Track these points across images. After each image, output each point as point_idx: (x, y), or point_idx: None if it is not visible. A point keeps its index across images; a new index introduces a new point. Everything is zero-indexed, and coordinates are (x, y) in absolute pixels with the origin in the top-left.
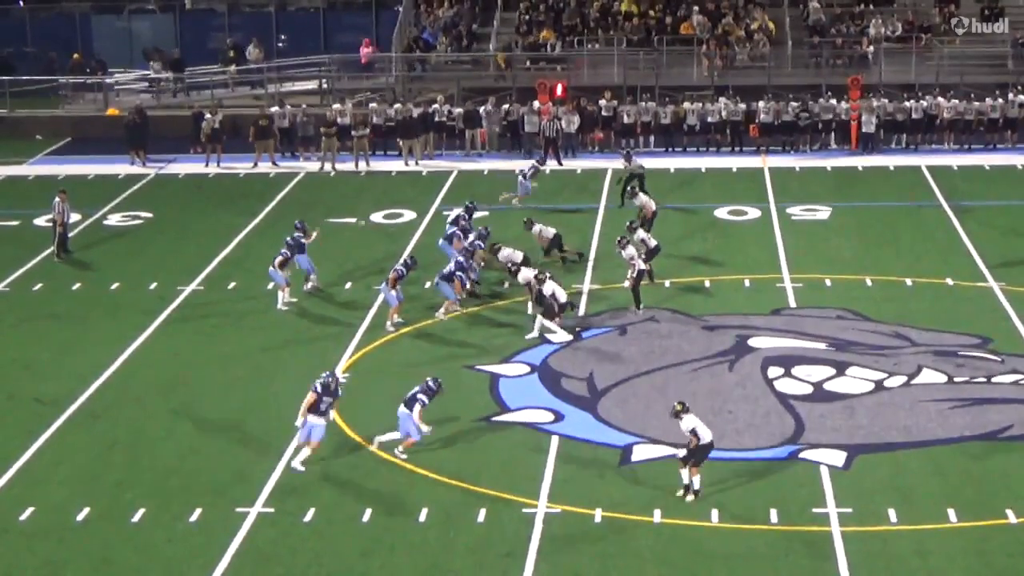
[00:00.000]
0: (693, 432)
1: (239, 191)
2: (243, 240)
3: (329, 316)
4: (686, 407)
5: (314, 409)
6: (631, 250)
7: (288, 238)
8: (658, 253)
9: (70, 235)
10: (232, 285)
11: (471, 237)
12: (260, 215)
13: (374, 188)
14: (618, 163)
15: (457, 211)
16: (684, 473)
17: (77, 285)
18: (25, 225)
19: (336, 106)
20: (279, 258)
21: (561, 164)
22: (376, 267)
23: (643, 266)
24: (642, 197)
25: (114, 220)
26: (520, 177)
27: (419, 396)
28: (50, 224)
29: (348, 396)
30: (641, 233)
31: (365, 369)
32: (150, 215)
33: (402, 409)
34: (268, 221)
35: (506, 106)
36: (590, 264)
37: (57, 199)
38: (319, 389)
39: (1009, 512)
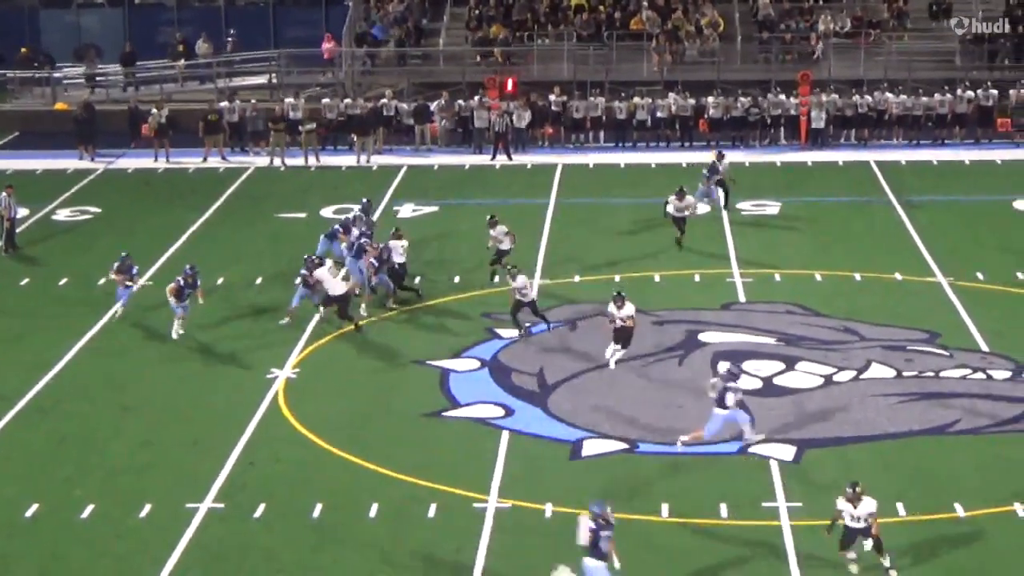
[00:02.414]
0: (872, 515)
1: (188, 186)
2: (192, 235)
3: (279, 311)
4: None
5: (594, 549)
6: (521, 280)
7: (188, 270)
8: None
9: (17, 230)
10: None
11: (354, 232)
12: (210, 210)
13: (324, 183)
14: (573, 158)
15: (356, 210)
16: (853, 563)
17: (25, 280)
18: None
19: (289, 100)
20: (172, 285)
21: (511, 159)
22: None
23: (527, 299)
24: (689, 199)
25: (63, 215)
26: (700, 185)
27: (728, 388)
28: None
29: (298, 392)
30: (502, 228)
31: (314, 364)
32: (99, 210)
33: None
34: (218, 216)
35: (460, 101)
36: (540, 260)
37: (4, 194)
38: (594, 527)
39: (957, 506)
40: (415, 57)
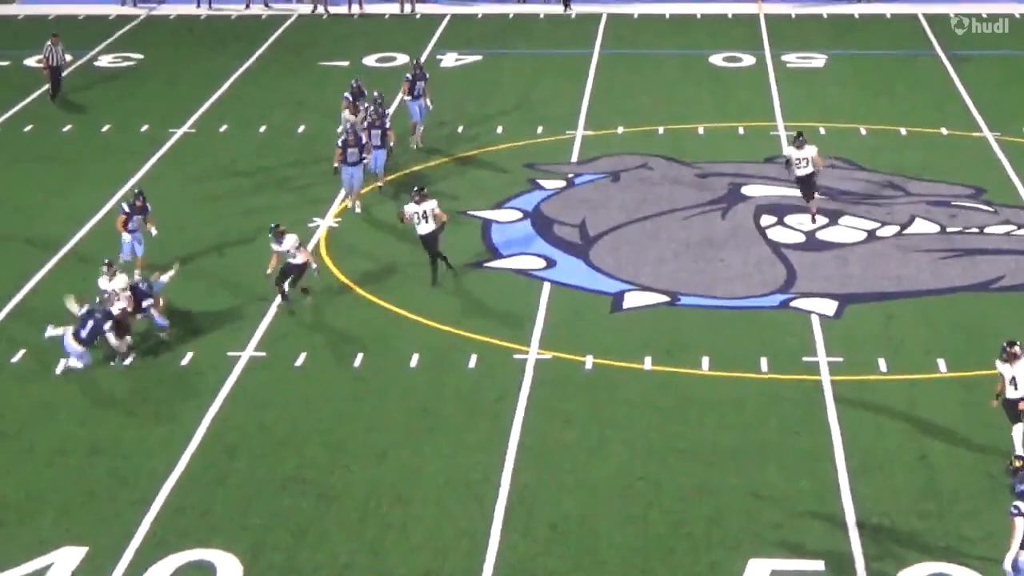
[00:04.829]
0: None
1: (231, 33)
2: (235, 83)
3: (321, 160)
4: None
5: None
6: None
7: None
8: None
9: (62, 75)
10: (224, 128)
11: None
12: (252, 57)
13: (367, 31)
14: (618, 8)
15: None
16: None
17: (68, 127)
18: (15, 65)
19: None
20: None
21: (569, 8)
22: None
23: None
24: (811, 148)
25: (105, 61)
26: None
27: None
28: (42, 66)
29: (340, 241)
30: (292, 238)
31: (356, 214)
32: (141, 57)
33: None
34: (260, 64)
35: None
36: (583, 111)
37: (48, 43)
38: None
39: (999, 363)
40: None
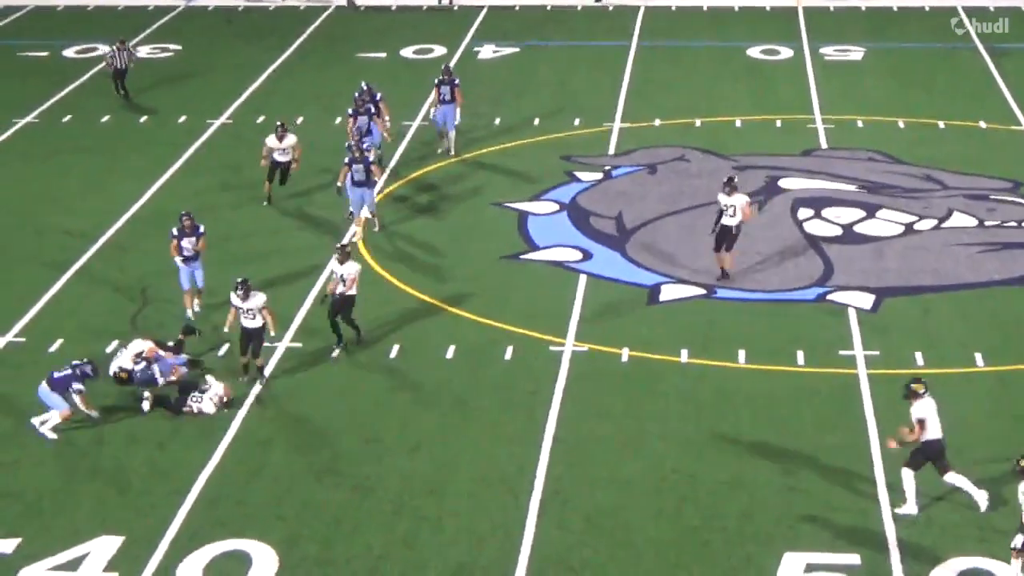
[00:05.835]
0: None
1: (268, 25)
2: (272, 74)
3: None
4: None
5: None
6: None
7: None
8: None
9: (100, 66)
10: (261, 119)
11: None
12: (289, 49)
13: (404, 23)
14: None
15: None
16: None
17: (106, 118)
18: (54, 56)
19: None
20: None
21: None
22: (404, 101)
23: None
24: (740, 196)
25: (143, 52)
26: None
27: None
28: (106, 66)
29: (376, 232)
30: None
31: (393, 205)
32: (179, 47)
33: None
34: (298, 55)
35: None
36: (620, 103)
37: (115, 46)
38: None
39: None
40: None
